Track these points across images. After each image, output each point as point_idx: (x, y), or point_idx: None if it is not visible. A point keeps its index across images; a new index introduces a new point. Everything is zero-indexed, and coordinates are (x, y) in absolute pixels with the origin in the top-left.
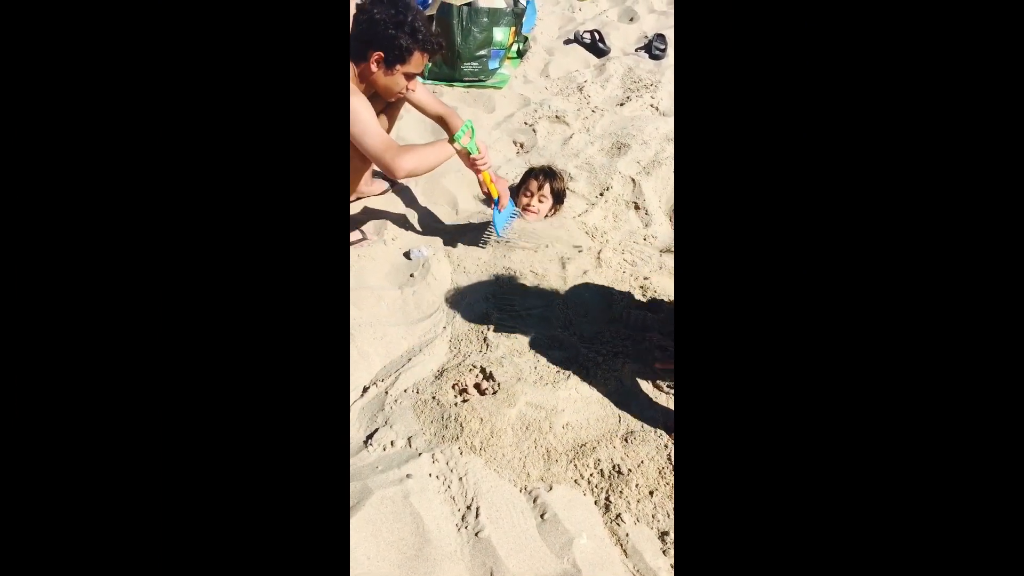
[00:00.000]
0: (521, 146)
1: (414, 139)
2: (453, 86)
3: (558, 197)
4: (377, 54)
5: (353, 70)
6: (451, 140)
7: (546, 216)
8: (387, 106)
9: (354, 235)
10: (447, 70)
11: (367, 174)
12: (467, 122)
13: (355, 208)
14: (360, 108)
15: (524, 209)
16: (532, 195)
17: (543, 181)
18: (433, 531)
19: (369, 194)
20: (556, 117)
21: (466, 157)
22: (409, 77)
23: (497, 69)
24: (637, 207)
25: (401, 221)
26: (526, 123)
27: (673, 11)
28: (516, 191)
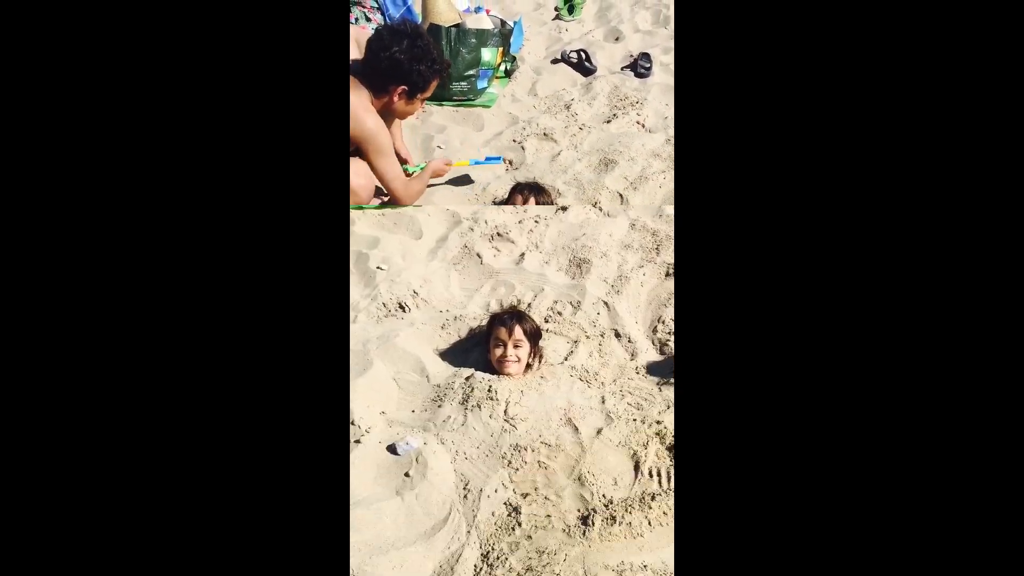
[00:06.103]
0: (510, 163)
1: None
2: (442, 105)
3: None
4: (401, 88)
5: (374, 102)
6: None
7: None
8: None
9: None
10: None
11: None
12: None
13: None
14: (389, 147)
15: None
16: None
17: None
18: None
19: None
20: (544, 135)
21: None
22: (423, 100)
23: (485, 88)
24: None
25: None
26: (515, 141)
27: (656, 32)
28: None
